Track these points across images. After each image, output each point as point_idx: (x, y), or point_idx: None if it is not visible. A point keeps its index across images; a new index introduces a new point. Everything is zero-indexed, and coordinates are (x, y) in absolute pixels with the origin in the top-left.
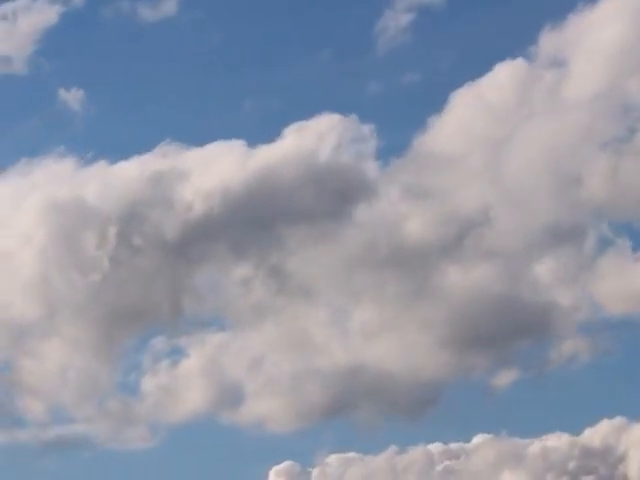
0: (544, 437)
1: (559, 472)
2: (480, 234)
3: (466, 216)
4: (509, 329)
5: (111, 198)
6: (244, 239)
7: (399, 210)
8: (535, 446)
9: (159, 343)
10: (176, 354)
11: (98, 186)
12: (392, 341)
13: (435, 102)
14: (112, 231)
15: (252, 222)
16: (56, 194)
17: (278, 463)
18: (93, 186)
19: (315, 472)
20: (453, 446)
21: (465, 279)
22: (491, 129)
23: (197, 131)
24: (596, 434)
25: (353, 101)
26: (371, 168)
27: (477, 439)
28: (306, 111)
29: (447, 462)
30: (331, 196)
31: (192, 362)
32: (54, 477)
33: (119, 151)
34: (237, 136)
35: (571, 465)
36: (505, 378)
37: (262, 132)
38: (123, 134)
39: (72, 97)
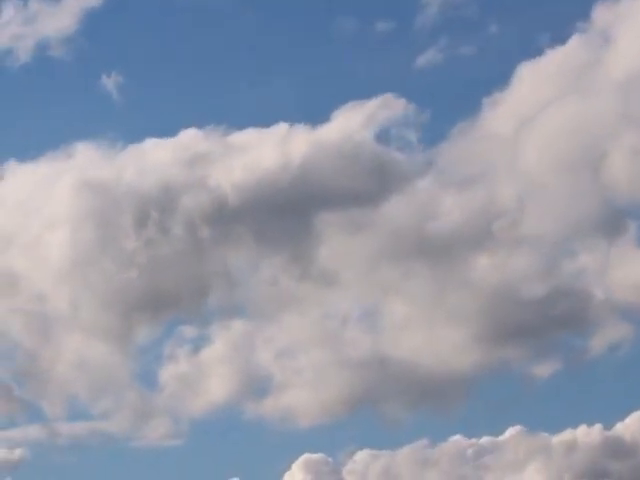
0: (575, 429)
1: (588, 465)
2: (516, 222)
3: (501, 204)
4: (546, 320)
5: (147, 181)
6: (277, 226)
7: (435, 199)
8: (565, 438)
9: (185, 331)
10: (202, 343)
11: (134, 169)
12: (423, 333)
13: (489, 86)
14: (146, 214)
15: (286, 209)
16: (92, 177)
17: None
18: (129, 169)
19: (342, 466)
20: (484, 440)
21: (500, 269)
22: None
23: (237, 114)
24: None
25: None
26: (410, 155)
27: (510, 432)
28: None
29: (478, 456)
30: (366, 183)
31: (217, 352)
32: (74, 473)
33: (154, 133)
34: (277, 120)
35: (600, 458)
36: (542, 370)
37: (303, 116)
38: (160, 117)
39: (112, 80)
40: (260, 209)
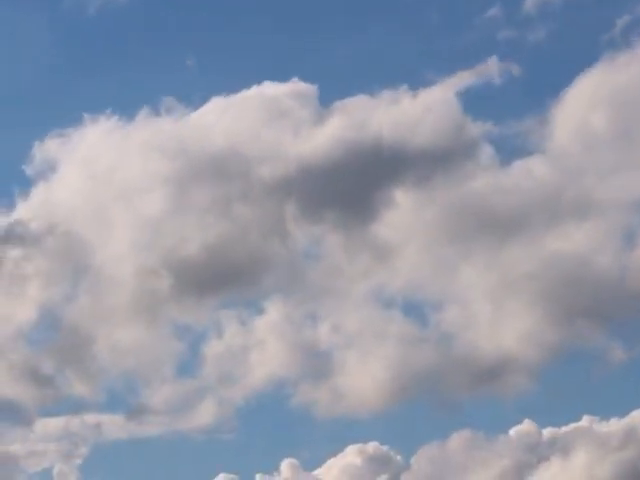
0: None
1: None
2: (588, 195)
3: (575, 179)
4: (622, 297)
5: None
6: (337, 200)
7: (502, 173)
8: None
9: (237, 310)
10: (258, 319)
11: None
12: (488, 312)
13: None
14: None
15: (358, 181)
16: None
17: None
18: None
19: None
20: (546, 432)
21: (570, 245)
22: None
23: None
24: None
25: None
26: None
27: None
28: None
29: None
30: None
31: (272, 331)
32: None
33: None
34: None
35: None
36: (616, 354)
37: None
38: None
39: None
40: (331, 182)
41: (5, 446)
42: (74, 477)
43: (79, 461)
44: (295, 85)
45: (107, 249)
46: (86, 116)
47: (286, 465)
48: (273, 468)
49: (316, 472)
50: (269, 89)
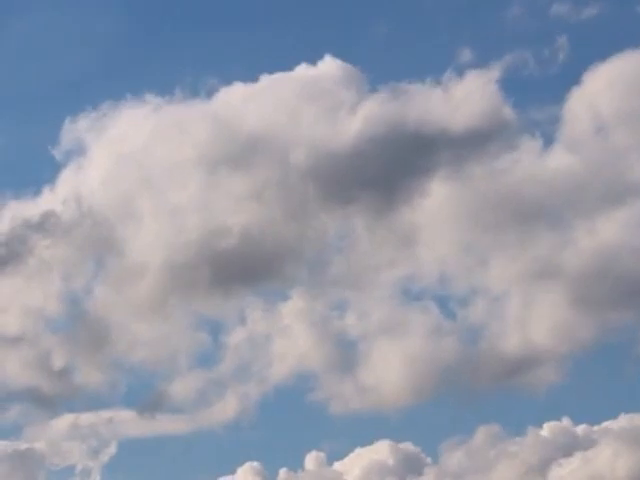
0: None
1: None
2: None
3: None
4: None
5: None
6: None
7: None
8: None
9: (272, 297)
10: (283, 306)
11: None
12: (518, 304)
13: None
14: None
15: (390, 168)
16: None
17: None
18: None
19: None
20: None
21: (603, 236)
22: None
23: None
24: None
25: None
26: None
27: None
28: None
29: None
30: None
31: (296, 321)
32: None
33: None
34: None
35: None
36: None
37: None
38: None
39: None
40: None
41: (29, 443)
42: (97, 474)
43: (103, 458)
44: (333, 67)
45: (134, 238)
46: (120, 97)
47: (311, 459)
48: (297, 462)
49: (340, 466)
50: (306, 71)
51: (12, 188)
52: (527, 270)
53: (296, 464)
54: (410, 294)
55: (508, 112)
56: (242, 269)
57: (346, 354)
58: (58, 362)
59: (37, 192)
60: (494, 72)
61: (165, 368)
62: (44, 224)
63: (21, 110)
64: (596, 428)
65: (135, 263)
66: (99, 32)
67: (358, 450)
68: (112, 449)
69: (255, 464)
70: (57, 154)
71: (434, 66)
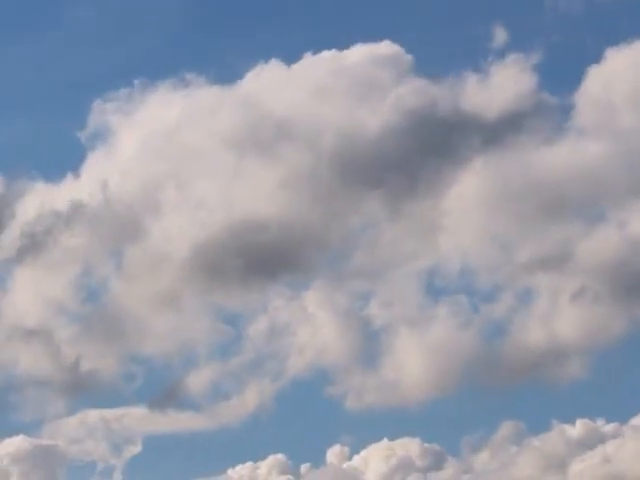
0: None
1: None
2: None
3: None
4: None
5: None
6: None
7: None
8: None
9: (294, 287)
10: (311, 300)
11: None
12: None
13: None
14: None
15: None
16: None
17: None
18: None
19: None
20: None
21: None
22: None
23: None
24: None
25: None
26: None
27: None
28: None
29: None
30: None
31: (326, 312)
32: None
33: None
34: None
35: None
36: None
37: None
38: None
39: None
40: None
41: (51, 440)
42: (119, 471)
43: (125, 454)
44: (365, 52)
45: (158, 227)
46: (146, 81)
47: (332, 453)
48: (319, 457)
49: (360, 460)
50: (336, 55)
51: (39, 171)
52: (553, 262)
53: (318, 459)
54: (434, 286)
55: (546, 98)
56: (265, 259)
57: (368, 345)
58: (73, 355)
59: (62, 176)
60: (532, 57)
61: (185, 361)
62: (71, 214)
63: (51, 94)
64: (621, 425)
65: (157, 253)
66: (138, 18)
67: (379, 445)
68: (135, 446)
69: (280, 456)
70: (83, 137)
71: (469, 52)
